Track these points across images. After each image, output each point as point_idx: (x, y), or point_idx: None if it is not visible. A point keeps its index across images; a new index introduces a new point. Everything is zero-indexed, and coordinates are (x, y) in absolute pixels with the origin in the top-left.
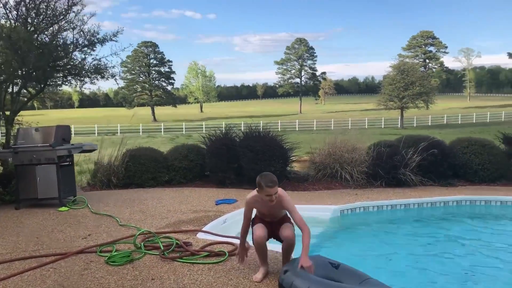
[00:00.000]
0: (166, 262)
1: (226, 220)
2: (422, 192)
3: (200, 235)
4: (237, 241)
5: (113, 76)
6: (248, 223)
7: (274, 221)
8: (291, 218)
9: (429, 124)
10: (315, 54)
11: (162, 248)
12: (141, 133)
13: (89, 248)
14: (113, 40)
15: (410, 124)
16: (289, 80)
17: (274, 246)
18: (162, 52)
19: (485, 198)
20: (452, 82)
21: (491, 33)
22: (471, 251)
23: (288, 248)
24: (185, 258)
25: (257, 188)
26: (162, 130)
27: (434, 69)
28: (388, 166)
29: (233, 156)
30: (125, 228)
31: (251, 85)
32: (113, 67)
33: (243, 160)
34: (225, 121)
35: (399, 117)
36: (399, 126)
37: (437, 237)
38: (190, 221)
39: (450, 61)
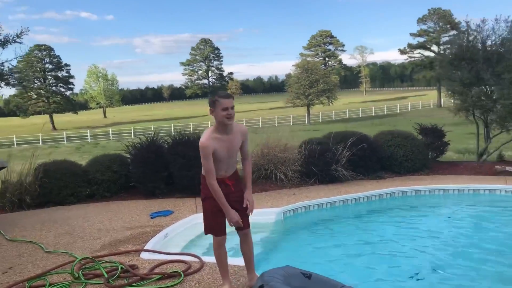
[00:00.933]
0: None
1: (167, 235)
2: (356, 187)
3: (144, 255)
4: (189, 258)
5: (20, 82)
6: (213, 170)
7: (230, 177)
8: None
9: (333, 119)
10: (221, 55)
11: (105, 275)
12: (41, 143)
13: (16, 285)
14: (18, 42)
15: (316, 120)
16: (197, 81)
17: (231, 260)
18: (58, 55)
19: (415, 188)
20: (349, 78)
21: (380, 31)
22: (416, 241)
23: (247, 240)
24: (134, 284)
25: (210, 109)
26: (65, 139)
27: (333, 67)
28: (321, 163)
29: (162, 164)
30: (54, 255)
31: (156, 87)
32: (18, 72)
33: (174, 168)
34: (133, 126)
35: (306, 114)
36: (306, 122)
37: (379, 231)
38: (127, 239)
39: (347, 59)
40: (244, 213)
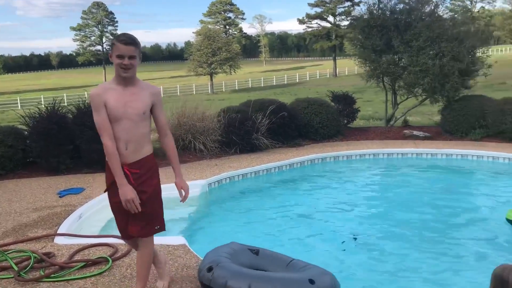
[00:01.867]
0: (29, 286)
1: (81, 215)
2: (277, 155)
3: (59, 240)
4: (114, 241)
5: None
6: (108, 127)
7: (133, 164)
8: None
9: (236, 88)
10: (115, 20)
11: (15, 267)
12: None
13: None
14: None
15: (219, 89)
16: (89, 48)
17: (163, 240)
18: None
19: (334, 154)
20: (249, 48)
21: (279, 1)
22: (341, 206)
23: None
24: (53, 275)
25: (109, 53)
26: None
27: (234, 35)
28: (241, 132)
29: (66, 137)
30: None
31: (43, 54)
32: None
33: (81, 140)
34: (19, 96)
35: (209, 83)
36: (209, 91)
37: (305, 198)
38: (35, 223)
39: (246, 28)
40: (143, 216)
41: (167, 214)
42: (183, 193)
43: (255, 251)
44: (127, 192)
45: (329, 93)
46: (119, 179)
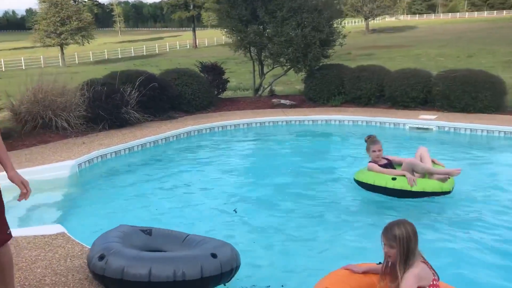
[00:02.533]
0: None
1: None
2: (150, 129)
3: None
4: None
5: None
6: None
7: None
8: None
9: (91, 60)
10: None
11: None
12: None
13: None
14: None
15: (72, 62)
16: None
17: (39, 230)
18: None
19: (209, 126)
20: (102, 17)
21: None
22: (220, 177)
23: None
24: None
25: None
26: None
27: (84, 3)
28: (109, 106)
29: None
30: None
31: None
32: None
33: None
34: None
35: (60, 55)
36: (60, 64)
37: (184, 172)
38: None
39: None
40: None
41: (37, 200)
42: (24, 189)
43: (148, 231)
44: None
45: (197, 64)
46: None
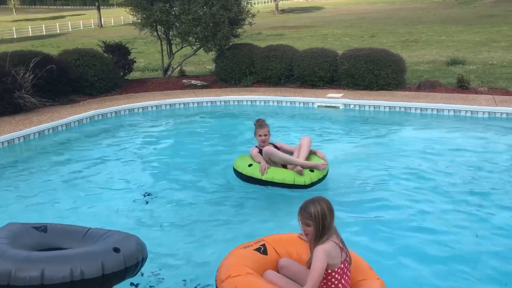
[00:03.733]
0: None
1: None
2: (49, 115)
3: None
4: None
5: None
6: None
7: None
8: None
9: None
10: None
11: None
12: None
13: None
14: None
15: None
16: None
17: None
18: None
19: (115, 109)
20: None
21: None
22: (128, 163)
23: None
24: None
25: None
26: None
27: None
28: None
29: None
30: None
31: None
32: None
33: None
34: None
35: None
36: None
37: (88, 159)
38: None
39: None
40: None
41: None
42: None
43: (42, 228)
44: None
45: (100, 43)
46: None
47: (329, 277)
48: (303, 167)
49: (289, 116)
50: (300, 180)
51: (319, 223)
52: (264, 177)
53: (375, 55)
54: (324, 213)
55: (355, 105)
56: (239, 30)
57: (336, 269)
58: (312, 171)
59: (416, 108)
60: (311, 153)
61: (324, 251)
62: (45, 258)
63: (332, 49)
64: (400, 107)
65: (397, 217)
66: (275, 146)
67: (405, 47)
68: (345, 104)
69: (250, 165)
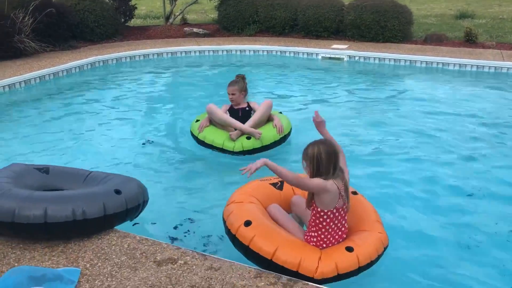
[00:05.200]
0: None
1: None
2: (50, 60)
3: None
4: None
5: None
6: None
7: None
8: None
9: None
10: None
11: None
12: None
13: None
14: None
15: None
16: None
17: None
18: None
19: (116, 56)
20: None
21: None
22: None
23: None
24: None
25: None
26: None
27: None
28: None
29: None
30: None
31: None
32: None
33: None
34: None
35: None
36: None
37: (89, 105)
38: None
39: None
40: None
41: None
42: None
43: (44, 170)
44: None
45: None
46: None
47: (319, 215)
48: (243, 132)
49: (292, 67)
50: (228, 145)
51: (313, 164)
52: (199, 136)
53: (382, 6)
54: (319, 155)
55: (359, 57)
56: None
57: (325, 211)
58: (249, 138)
59: (421, 62)
60: (270, 118)
61: (322, 181)
62: (48, 197)
63: None
64: (405, 60)
65: (396, 171)
66: (249, 106)
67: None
68: (349, 55)
69: (197, 121)
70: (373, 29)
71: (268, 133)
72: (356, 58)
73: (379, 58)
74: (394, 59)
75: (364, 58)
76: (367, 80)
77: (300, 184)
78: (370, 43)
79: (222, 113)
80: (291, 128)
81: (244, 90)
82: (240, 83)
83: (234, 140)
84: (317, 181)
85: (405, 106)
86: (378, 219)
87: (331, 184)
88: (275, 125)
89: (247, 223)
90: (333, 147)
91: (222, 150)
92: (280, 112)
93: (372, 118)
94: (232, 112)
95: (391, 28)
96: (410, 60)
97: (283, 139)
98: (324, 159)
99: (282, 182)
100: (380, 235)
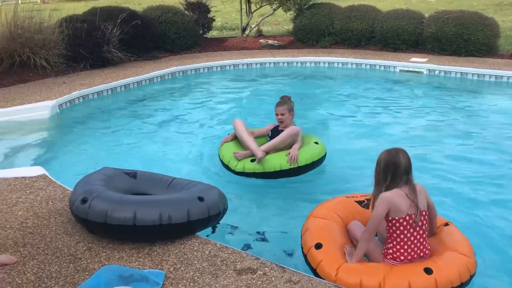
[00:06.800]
0: None
1: None
2: (134, 69)
3: None
4: None
5: None
6: None
7: None
8: None
9: None
10: None
11: None
12: None
13: None
14: None
15: None
16: None
17: None
18: None
19: (194, 67)
20: None
21: None
22: (207, 118)
23: None
24: None
25: None
26: None
27: None
28: (90, 44)
29: None
30: None
31: None
32: None
33: None
34: None
35: None
36: (38, 1)
37: (169, 113)
38: None
39: None
40: None
41: (17, 141)
42: None
43: (132, 174)
44: None
45: (182, 1)
46: None
47: (391, 224)
48: (253, 153)
49: (368, 80)
50: (232, 164)
51: (377, 170)
52: (219, 149)
53: (466, 18)
54: (386, 163)
55: (440, 71)
56: None
57: (397, 218)
58: (253, 160)
59: (508, 77)
60: (290, 144)
61: (384, 199)
62: (137, 201)
63: (418, 11)
64: (490, 75)
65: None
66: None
67: (498, 10)
68: (429, 69)
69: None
70: (455, 42)
71: (275, 161)
72: (436, 72)
73: (461, 72)
74: (478, 74)
75: (445, 72)
76: (447, 95)
77: (374, 225)
78: (451, 57)
79: (242, 130)
80: (315, 161)
81: (292, 111)
82: (289, 104)
83: (238, 160)
84: (379, 207)
85: (490, 124)
86: (469, 244)
87: (394, 195)
88: (288, 154)
89: (318, 246)
90: (396, 158)
91: (227, 168)
92: (316, 143)
93: (453, 136)
94: (275, 132)
95: (475, 42)
96: (496, 75)
97: (295, 171)
98: (382, 168)
99: (368, 201)
100: (466, 259)
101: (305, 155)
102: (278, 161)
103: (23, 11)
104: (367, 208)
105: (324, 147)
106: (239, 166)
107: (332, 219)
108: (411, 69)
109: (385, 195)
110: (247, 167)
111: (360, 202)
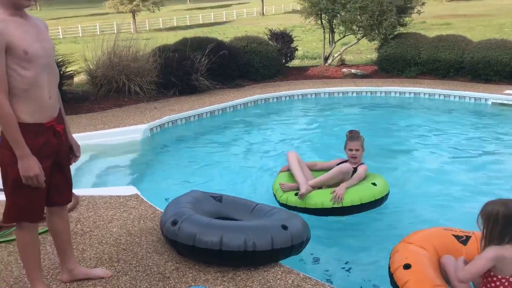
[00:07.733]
0: None
1: None
2: (219, 97)
3: None
4: None
5: None
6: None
7: (59, 118)
8: None
9: (161, 27)
10: None
11: None
12: None
13: None
14: None
15: (143, 28)
16: None
17: None
18: None
19: (276, 95)
20: None
21: None
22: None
23: (63, 214)
24: None
25: None
26: None
27: None
28: (180, 72)
29: None
30: None
31: None
32: None
33: None
34: None
35: (132, 21)
36: (132, 30)
37: (252, 138)
38: None
39: None
40: (67, 180)
41: (112, 161)
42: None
43: (218, 198)
44: (35, 166)
45: (266, 31)
46: (20, 147)
47: (490, 279)
48: (299, 186)
49: (457, 112)
50: (278, 194)
51: (488, 223)
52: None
53: None
54: (496, 217)
55: None
56: (406, 18)
57: (499, 277)
58: (297, 194)
59: None
60: (342, 181)
61: (493, 253)
62: (224, 226)
63: None
64: None
65: None
66: (355, 169)
67: None
68: None
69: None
70: None
71: (318, 197)
72: None
73: None
74: None
75: None
76: None
77: (473, 273)
78: None
79: (293, 162)
80: (367, 204)
81: (363, 147)
82: (361, 139)
83: (284, 191)
84: (484, 258)
85: None
86: None
87: (507, 252)
88: (333, 192)
89: (407, 266)
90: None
91: (275, 197)
92: (374, 183)
93: None
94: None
95: None
96: None
97: (339, 210)
98: (500, 223)
99: (468, 238)
100: None
101: (353, 195)
102: (321, 198)
103: (121, 40)
104: (465, 244)
105: (384, 189)
106: (283, 198)
107: (425, 248)
108: (506, 102)
109: (497, 251)
110: (290, 200)
111: (458, 237)
